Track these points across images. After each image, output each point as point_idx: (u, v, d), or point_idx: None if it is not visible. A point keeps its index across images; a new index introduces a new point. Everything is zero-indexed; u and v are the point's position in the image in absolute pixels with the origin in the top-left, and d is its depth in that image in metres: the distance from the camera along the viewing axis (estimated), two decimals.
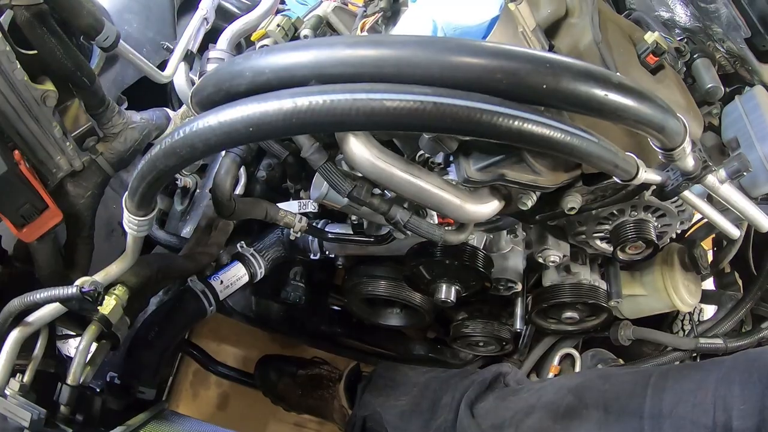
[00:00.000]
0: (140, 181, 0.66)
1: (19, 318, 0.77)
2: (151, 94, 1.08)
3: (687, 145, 0.71)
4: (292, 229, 1.16)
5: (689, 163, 0.77)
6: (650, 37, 0.89)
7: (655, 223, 1.03)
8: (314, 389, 1.39)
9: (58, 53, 0.74)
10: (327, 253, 1.29)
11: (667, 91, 0.90)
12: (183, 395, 1.57)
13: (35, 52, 0.75)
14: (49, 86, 0.75)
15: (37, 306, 0.75)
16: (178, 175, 1.38)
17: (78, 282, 0.73)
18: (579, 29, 0.90)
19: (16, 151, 0.72)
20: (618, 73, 0.54)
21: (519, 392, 1.00)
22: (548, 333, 1.38)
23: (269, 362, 1.47)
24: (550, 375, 1.37)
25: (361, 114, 0.49)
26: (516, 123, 0.48)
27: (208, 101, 0.63)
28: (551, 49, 0.91)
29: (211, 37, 1.21)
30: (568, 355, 1.39)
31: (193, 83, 1.07)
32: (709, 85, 1.01)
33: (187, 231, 1.33)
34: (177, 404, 1.56)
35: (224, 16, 1.28)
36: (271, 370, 1.45)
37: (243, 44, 1.16)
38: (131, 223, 0.74)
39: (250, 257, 1.23)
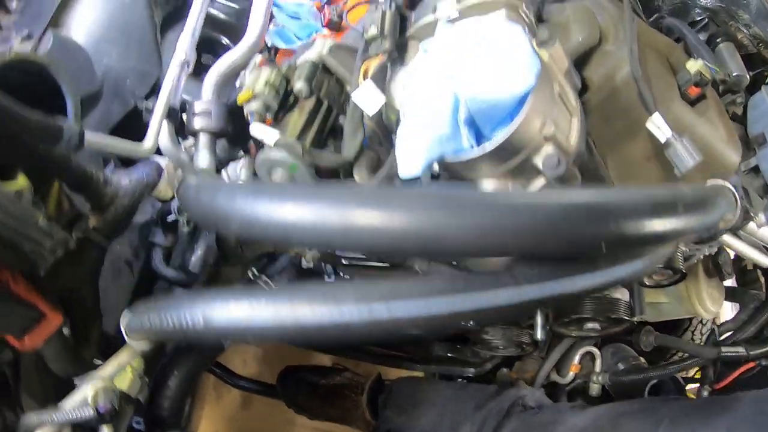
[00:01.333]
0: None
1: None
2: None
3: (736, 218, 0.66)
4: (303, 258, 1.13)
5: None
6: (693, 66, 0.81)
7: (684, 248, 0.99)
8: (336, 399, 1.41)
9: (22, 147, 0.65)
10: (342, 275, 1.25)
11: (709, 125, 0.83)
12: (207, 397, 1.60)
13: None
14: (21, 182, 0.67)
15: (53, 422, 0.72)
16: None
17: (90, 398, 0.69)
18: (615, 59, 0.81)
19: (4, 269, 0.65)
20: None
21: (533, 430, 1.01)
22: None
23: (290, 375, 1.48)
24: (570, 374, 1.39)
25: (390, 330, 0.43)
26: (585, 285, 0.42)
27: None
28: (583, 82, 0.82)
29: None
30: (588, 353, 1.40)
31: (179, 139, 0.94)
32: (735, 74, 0.94)
33: (196, 258, 1.28)
34: (202, 406, 1.59)
35: (212, 24, 1.16)
36: (291, 383, 1.46)
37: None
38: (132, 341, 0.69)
39: (264, 285, 1.20)
